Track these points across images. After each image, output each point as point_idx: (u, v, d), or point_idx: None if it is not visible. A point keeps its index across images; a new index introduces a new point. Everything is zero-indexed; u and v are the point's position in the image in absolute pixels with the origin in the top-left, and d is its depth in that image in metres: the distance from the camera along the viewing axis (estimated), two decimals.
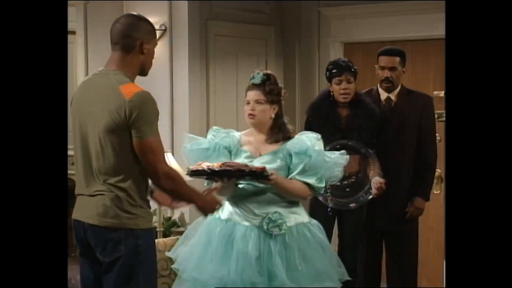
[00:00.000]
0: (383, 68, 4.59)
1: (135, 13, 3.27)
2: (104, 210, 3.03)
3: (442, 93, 5.78)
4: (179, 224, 5.64)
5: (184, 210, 5.70)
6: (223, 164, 3.41)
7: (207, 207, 3.26)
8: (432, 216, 5.86)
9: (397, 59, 4.58)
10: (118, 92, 2.99)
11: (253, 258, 3.46)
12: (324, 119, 4.42)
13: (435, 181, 5.80)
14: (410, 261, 4.76)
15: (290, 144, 3.59)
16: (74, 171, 3.19)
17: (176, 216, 5.72)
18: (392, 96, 4.63)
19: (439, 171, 5.80)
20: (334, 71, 4.46)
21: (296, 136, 3.64)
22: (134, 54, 3.09)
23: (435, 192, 5.82)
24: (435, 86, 5.83)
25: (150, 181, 3.13)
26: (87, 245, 3.12)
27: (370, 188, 4.38)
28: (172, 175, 3.08)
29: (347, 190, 4.38)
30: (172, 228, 5.53)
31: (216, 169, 3.39)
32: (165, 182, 3.06)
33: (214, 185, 3.49)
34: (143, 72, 3.17)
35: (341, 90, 4.42)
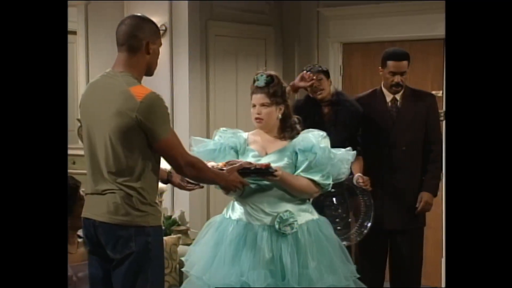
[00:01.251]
0: (393, 73, 4.57)
1: (139, 14, 3.30)
2: (114, 208, 3.06)
3: (440, 93, 5.82)
4: (179, 222, 5.67)
5: (184, 209, 5.73)
6: (227, 163, 3.41)
7: (229, 185, 3.36)
8: (430, 214, 5.86)
9: (406, 63, 4.59)
10: (129, 94, 3.03)
11: (266, 258, 3.46)
12: (307, 117, 4.46)
13: None
14: (415, 261, 4.75)
15: (296, 142, 3.60)
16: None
17: (176, 215, 5.74)
18: (398, 97, 4.65)
19: None
20: None
21: (302, 134, 3.64)
22: (140, 55, 3.13)
23: None
24: (434, 86, 5.86)
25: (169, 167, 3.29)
26: (97, 242, 3.15)
27: (364, 221, 4.43)
28: (193, 162, 3.17)
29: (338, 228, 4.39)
30: (173, 226, 5.55)
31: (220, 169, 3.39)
32: (187, 170, 3.16)
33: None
34: (149, 72, 3.21)
35: (314, 89, 4.54)
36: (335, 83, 6.16)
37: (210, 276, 3.51)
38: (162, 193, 5.31)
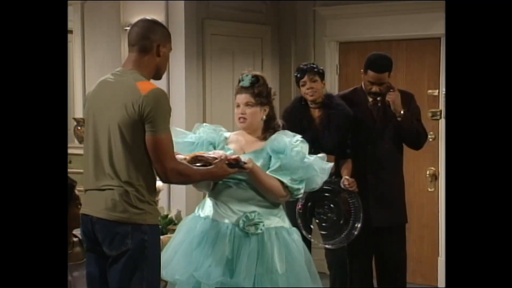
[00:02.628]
0: (372, 83, 4.57)
1: (151, 17, 3.39)
2: (112, 204, 3.08)
3: (436, 92, 5.83)
4: (176, 222, 5.67)
5: (181, 208, 5.74)
6: (194, 156, 3.36)
7: (217, 176, 3.33)
8: (426, 213, 5.91)
9: (386, 74, 4.56)
10: (135, 88, 3.08)
11: (225, 257, 3.41)
12: (297, 121, 4.44)
13: (429, 179, 5.88)
14: (400, 258, 4.74)
15: (268, 142, 3.54)
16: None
17: (172, 214, 5.75)
18: (378, 97, 4.65)
19: (433, 169, 5.86)
20: (298, 75, 4.56)
21: (275, 135, 3.56)
22: (150, 56, 3.19)
23: (429, 190, 5.88)
24: (430, 85, 5.87)
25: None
26: (94, 239, 3.16)
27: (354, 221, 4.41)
28: (180, 170, 3.16)
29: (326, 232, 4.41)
30: (169, 225, 5.55)
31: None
32: (174, 178, 3.17)
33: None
34: (158, 75, 3.26)
35: (306, 90, 4.51)
36: (332, 82, 6.18)
37: (168, 270, 3.45)
38: (158, 192, 5.32)
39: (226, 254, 3.42)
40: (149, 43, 3.18)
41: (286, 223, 3.58)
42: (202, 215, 3.57)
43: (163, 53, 3.22)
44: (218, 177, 3.37)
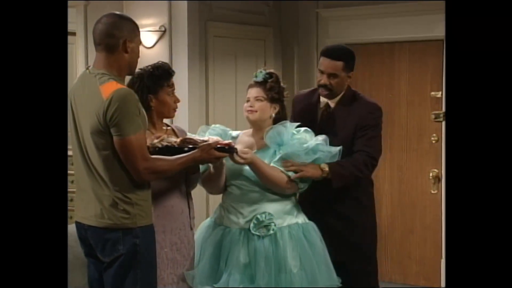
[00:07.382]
0: (321, 72, 3.81)
1: (117, 12, 3.23)
2: (101, 211, 3.04)
3: (439, 94, 5.83)
4: None
5: None
6: (184, 139, 3.28)
7: (202, 160, 3.22)
8: (429, 215, 5.90)
9: (340, 64, 3.77)
10: (98, 94, 2.97)
11: (242, 263, 3.39)
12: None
13: (432, 180, 5.87)
14: None
15: (268, 134, 3.46)
16: (73, 171, 3.19)
17: None
18: (332, 104, 3.87)
19: (436, 171, 5.86)
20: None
21: (274, 126, 3.50)
22: (118, 54, 3.04)
23: (432, 192, 5.87)
24: (433, 87, 5.87)
25: None
26: (89, 245, 3.14)
27: None
28: (154, 168, 3.05)
29: None
30: None
31: (176, 146, 3.23)
32: (149, 177, 3.06)
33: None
34: (130, 71, 3.14)
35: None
36: None
37: (193, 281, 3.47)
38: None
39: (242, 260, 3.39)
40: (115, 41, 3.02)
41: (300, 219, 3.52)
42: (216, 221, 3.56)
43: (131, 48, 3.06)
44: (203, 162, 3.26)
